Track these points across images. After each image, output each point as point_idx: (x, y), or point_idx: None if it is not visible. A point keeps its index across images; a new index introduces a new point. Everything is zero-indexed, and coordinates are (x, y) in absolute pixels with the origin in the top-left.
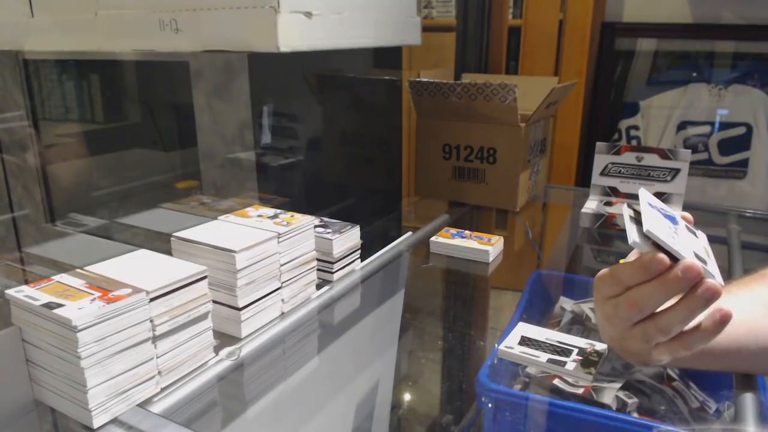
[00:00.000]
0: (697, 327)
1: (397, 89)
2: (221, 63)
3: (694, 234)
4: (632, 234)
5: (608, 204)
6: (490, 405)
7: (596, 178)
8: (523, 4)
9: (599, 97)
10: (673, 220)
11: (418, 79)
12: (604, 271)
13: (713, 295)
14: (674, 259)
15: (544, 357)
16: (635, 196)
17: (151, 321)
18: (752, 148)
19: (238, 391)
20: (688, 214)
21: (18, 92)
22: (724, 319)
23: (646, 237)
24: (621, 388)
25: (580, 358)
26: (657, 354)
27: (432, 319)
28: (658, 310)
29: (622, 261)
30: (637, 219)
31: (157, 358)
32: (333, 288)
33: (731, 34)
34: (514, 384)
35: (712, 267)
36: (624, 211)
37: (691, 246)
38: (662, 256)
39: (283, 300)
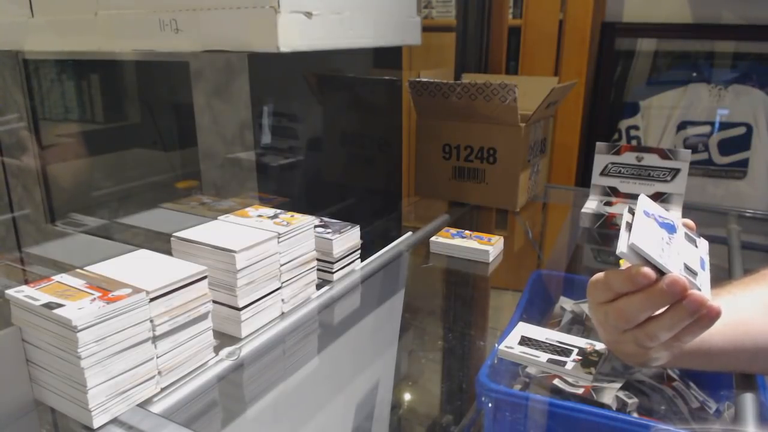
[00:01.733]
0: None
1: (397, 89)
2: (221, 63)
3: (694, 242)
4: (621, 244)
5: (608, 204)
6: (490, 405)
7: (596, 178)
8: (523, 4)
9: (599, 97)
10: (670, 228)
11: (418, 79)
12: (597, 276)
13: (698, 307)
14: (662, 272)
15: (544, 357)
16: (635, 197)
17: (151, 321)
18: (752, 148)
19: (238, 391)
20: (690, 222)
21: (18, 92)
22: (711, 315)
23: (633, 249)
24: (621, 388)
25: (580, 358)
26: (653, 353)
27: (432, 319)
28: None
29: (622, 262)
30: (631, 227)
31: (157, 358)
32: (333, 288)
33: (731, 34)
34: (514, 384)
35: (703, 279)
36: (624, 215)
37: (683, 257)
38: (647, 271)
39: (283, 300)
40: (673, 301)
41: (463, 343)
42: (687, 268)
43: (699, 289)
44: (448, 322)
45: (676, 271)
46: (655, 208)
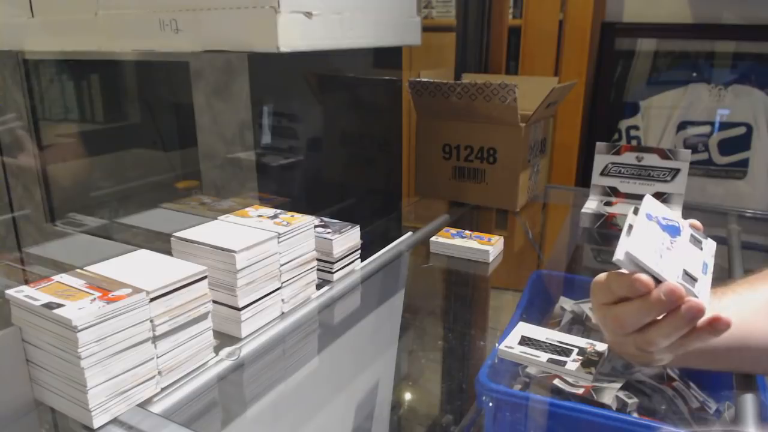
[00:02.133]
0: (695, 329)
1: (397, 89)
2: (221, 63)
3: (699, 244)
4: (618, 251)
5: (608, 204)
6: (490, 404)
7: (596, 178)
8: (523, 4)
9: (599, 97)
10: (673, 231)
11: (418, 79)
12: (599, 277)
13: (696, 315)
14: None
15: (544, 357)
16: (635, 196)
17: (151, 321)
18: (752, 148)
19: (238, 391)
20: (697, 222)
21: (18, 92)
22: (719, 327)
23: (628, 257)
24: (621, 388)
25: (580, 358)
26: (656, 355)
27: (432, 319)
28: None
29: None
30: (631, 232)
31: (157, 358)
32: (333, 288)
33: (731, 34)
34: (514, 384)
35: (702, 286)
36: (628, 216)
37: (684, 262)
38: (645, 278)
39: (283, 300)
40: (669, 309)
41: (463, 343)
42: (686, 274)
43: (696, 297)
44: (448, 322)
45: (673, 278)
46: (659, 209)
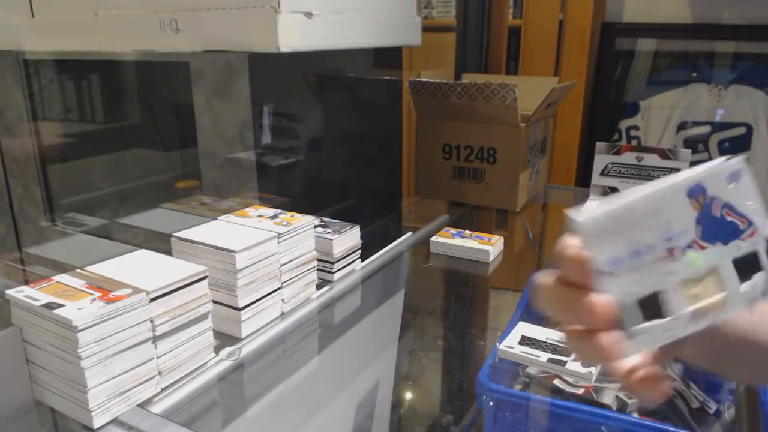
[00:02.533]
0: (643, 379)
1: (397, 89)
2: (221, 63)
3: (751, 270)
4: (585, 212)
5: None
6: (491, 404)
7: (596, 178)
8: (523, 4)
9: (599, 97)
10: (719, 232)
11: (418, 79)
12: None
13: (602, 359)
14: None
15: (544, 356)
16: None
17: (152, 321)
18: (752, 148)
19: (238, 391)
20: None
21: (18, 92)
22: (650, 390)
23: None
24: (621, 388)
25: None
26: None
27: (432, 319)
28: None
29: None
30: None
31: (158, 358)
32: (333, 288)
33: (731, 34)
34: (514, 384)
35: (659, 329)
36: (684, 171)
37: (664, 283)
38: (578, 267)
39: (283, 300)
40: (588, 323)
41: (463, 343)
42: (650, 301)
43: (626, 332)
44: (448, 322)
45: (620, 293)
46: (739, 194)
